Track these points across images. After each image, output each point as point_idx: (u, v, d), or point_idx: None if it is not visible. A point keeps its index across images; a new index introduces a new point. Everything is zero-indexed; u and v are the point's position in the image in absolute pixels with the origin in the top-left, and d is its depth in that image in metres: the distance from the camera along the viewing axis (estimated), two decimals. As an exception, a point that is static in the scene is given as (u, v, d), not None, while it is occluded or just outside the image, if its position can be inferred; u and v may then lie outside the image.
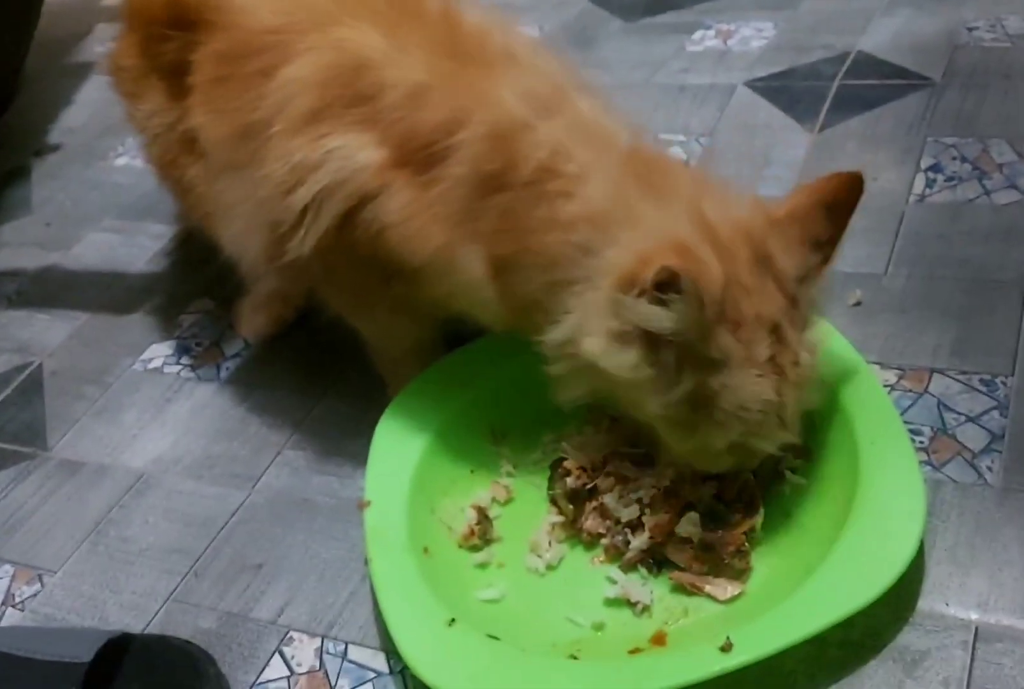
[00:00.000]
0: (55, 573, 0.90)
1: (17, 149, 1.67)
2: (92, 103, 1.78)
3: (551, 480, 0.83)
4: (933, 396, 0.84)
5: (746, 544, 0.73)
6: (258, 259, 0.85)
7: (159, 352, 1.14)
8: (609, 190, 0.69)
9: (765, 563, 0.74)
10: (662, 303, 0.62)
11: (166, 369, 1.11)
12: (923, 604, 0.70)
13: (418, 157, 0.73)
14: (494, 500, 0.83)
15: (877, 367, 0.87)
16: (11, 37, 1.76)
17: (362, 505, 0.80)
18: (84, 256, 1.34)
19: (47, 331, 1.21)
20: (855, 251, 0.99)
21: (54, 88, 1.88)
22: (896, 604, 0.69)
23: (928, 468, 0.79)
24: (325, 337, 1.06)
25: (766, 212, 0.68)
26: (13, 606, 0.88)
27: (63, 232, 1.41)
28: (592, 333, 0.67)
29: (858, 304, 0.94)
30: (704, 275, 0.62)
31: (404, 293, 0.81)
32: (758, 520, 0.74)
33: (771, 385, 0.66)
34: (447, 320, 0.87)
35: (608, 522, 0.77)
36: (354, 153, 0.74)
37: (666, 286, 0.61)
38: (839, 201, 0.68)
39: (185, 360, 1.11)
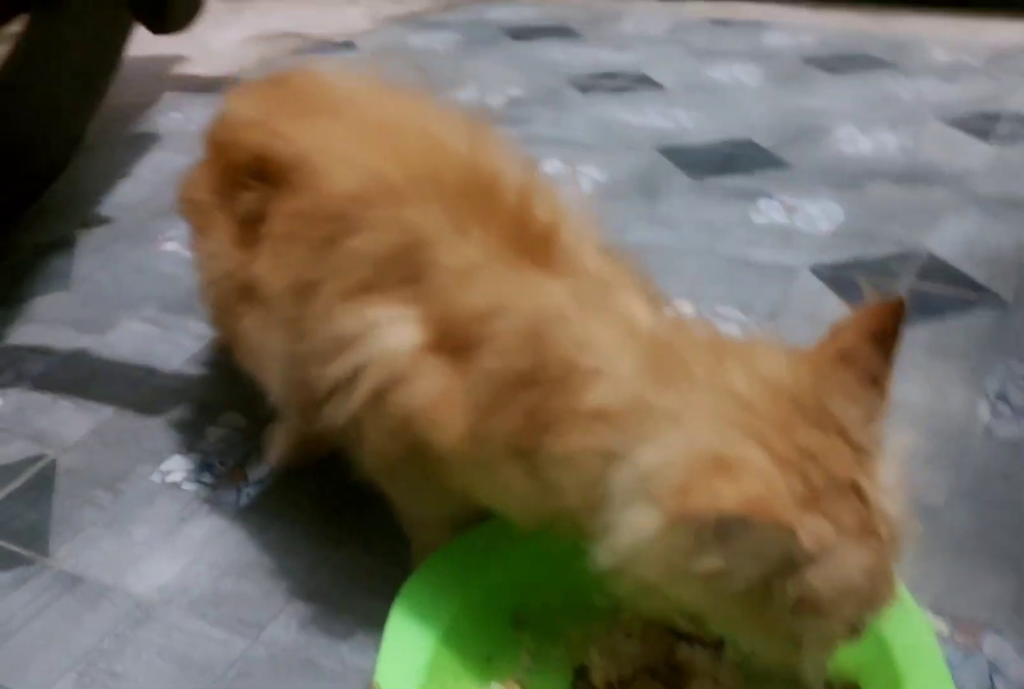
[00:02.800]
0: (34, 703, 0.85)
1: (65, 218, 1.66)
2: (149, 179, 1.78)
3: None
4: (985, 657, 0.81)
5: None
6: (298, 416, 0.85)
7: (180, 465, 1.10)
8: (621, 384, 0.66)
9: None
10: (726, 541, 0.58)
11: (185, 485, 1.07)
12: None
13: (455, 342, 0.72)
14: (510, 699, 0.79)
15: (929, 613, 0.84)
16: (77, 101, 1.77)
17: (373, 689, 0.76)
18: (118, 344, 1.32)
19: (67, 422, 1.18)
20: (915, 475, 0.97)
21: (112, 157, 1.88)
22: None
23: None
24: (354, 477, 1.03)
25: (808, 361, 0.65)
26: (-15, 737, 0.83)
27: (99, 314, 1.38)
28: (649, 562, 0.62)
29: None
30: (766, 497, 0.58)
31: (434, 471, 0.78)
32: None
33: (872, 549, 0.60)
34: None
35: (632, 746, 0.73)
36: (395, 329, 0.74)
37: (727, 525, 0.57)
38: (885, 330, 0.65)
39: (206, 478, 1.08)
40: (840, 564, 0.60)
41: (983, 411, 1.05)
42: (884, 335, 0.65)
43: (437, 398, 0.72)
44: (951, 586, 0.87)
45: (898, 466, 0.64)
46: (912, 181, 1.53)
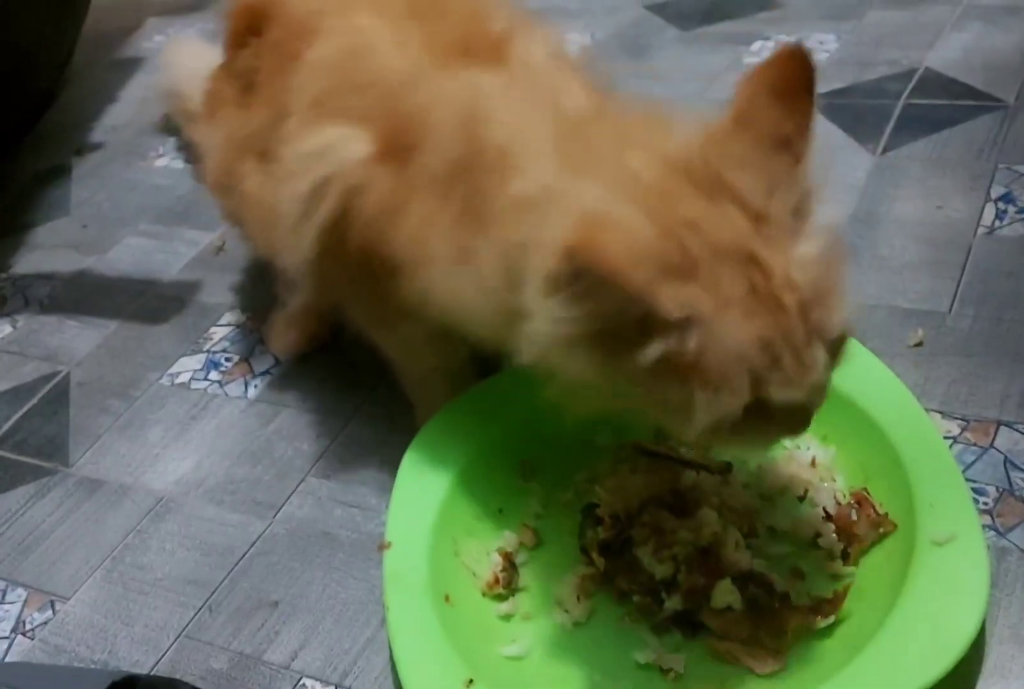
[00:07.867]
0: (68, 600, 0.87)
1: (59, 147, 1.65)
2: (136, 101, 1.76)
3: (582, 527, 0.78)
4: (999, 452, 0.78)
5: (789, 637, 0.67)
6: (275, 256, 0.86)
7: (187, 366, 1.10)
8: (536, 169, 0.63)
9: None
10: (587, 294, 0.53)
11: (193, 385, 1.08)
12: (983, 687, 0.65)
13: (400, 148, 0.72)
14: (521, 544, 0.79)
15: (938, 416, 0.82)
16: (57, 29, 1.74)
17: (382, 547, 0.76)
18: (119, 261, 1.32)
19: (76, 339, 1.19)
20: (917, 285, 0.94)
21: (99, 84, 1.86)
22: (952, 686, 0.63)
23: (992, 534, 0.73)
24: (356, 357, 1.02)
25: (703, 128, 0.59)
26: (23, 634, 0.85)
27: (99, 235, 1.39)
28: (546, 345, 0.59)
29: (919, 344, 0.88)
30: (614, 241, 0.53)
31: (415, 303, 0.75)
32: (821, 623, 0.67)
33: (764, 320, 0.55)
34: (472, 345, 0.81)
35: (641, 577, 0.73)
36: (348, 145, 0.74)
37: (577, 272, 0.53)
38: (791, 84, 0.58)
39: (213, 376, 1.08)
40: (722, 331, 0.55)
41: (987, 216, 1.00)
42: (792, 90, 0.57)
43: (384, 203, 0.72)
44: (959, 388, 0.84)
45: (823, 238, 0.58)
46: (909, 2, 1.45)
